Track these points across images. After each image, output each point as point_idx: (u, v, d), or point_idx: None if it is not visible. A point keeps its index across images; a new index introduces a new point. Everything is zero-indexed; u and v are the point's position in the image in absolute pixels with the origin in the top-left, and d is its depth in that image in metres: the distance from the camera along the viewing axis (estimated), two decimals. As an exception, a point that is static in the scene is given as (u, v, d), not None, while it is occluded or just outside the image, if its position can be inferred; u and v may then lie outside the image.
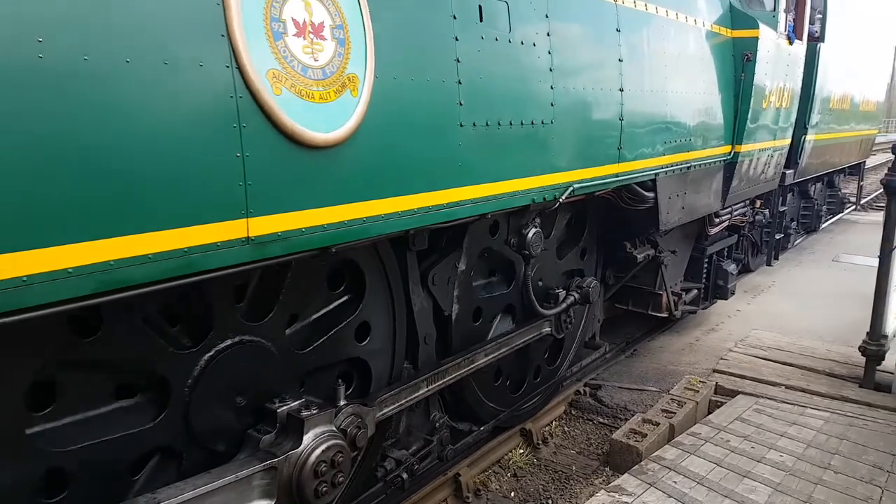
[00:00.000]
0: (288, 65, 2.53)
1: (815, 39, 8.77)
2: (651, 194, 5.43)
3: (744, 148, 6.74)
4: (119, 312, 2.59)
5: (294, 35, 2.54)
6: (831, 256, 11.51)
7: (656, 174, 5.39)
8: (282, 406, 3.15)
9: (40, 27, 1.92)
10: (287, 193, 2.59)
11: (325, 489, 3.16)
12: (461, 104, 3.40)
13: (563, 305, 5.21)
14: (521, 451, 5.34)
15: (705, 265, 7.54)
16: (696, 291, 7.46)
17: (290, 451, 3.04)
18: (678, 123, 5.61)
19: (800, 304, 8.55)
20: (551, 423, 5.76)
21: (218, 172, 2.35)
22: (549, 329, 5.11)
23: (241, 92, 2.40)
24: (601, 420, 5.83)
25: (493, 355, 4.52)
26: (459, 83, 3.39)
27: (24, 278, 1.93)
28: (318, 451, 3.10)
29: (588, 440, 5.61)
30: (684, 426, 5.15)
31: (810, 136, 9.12)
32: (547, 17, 4.01)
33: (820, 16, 8.75)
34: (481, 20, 3.52)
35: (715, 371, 6.10)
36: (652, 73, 5.16)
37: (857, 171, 15.03)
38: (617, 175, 4.86)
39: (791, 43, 7.61)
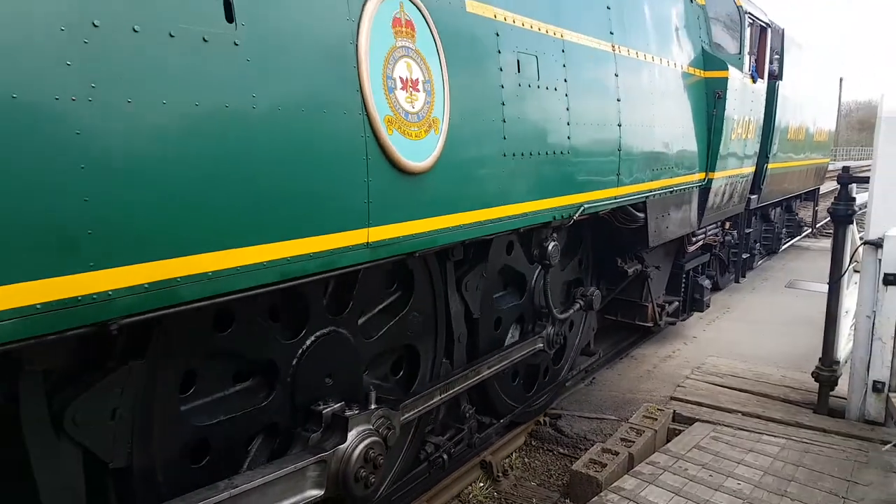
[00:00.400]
0: (397, 111, 3.40)
1: (774, 78, 9.90)
2: (642, 215, 6.24)
3: (716, 175, 7.66)
4: (246, 309, 3.29)
5: (400, 89, 3.44)
6: (784, 283, 11.75)
7: (647, 197, 6.21)
8: (326, 408, 3.65)
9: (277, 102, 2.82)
10: (391, 210, 3.41)
11: (368, 480, 3.63)
12: (505, 139, 4.25)
13: (572, 311, 6.01)
14: (481, 484, 5.28)
15: (683, 280, 8.33)
16: (676, 303, 8.23)
17: (337, 447, 3.52)
18: (663, 153, 6.47)
19: (755, 330, 8.68)
20: (511, 454, 5.72)
21: (355, 194, 3.20)
22: (541, 345, 5.60)
23: (368, 133, 3.23)
24: (561, 450, 5.81)
25: (495, 367, 5.07)
26: (504, 122, 4.25)
27: (238, 268, 2.65)
28: (361, 447, 3.59)
29: (548, 471, 5.58)
30: (643, 455, 5.16)
31: (771, 165, 10.16)
32: (564, 66, 4.87)
33: (777, 56, 9.94)
34: (518, 71, 4.39)
35: (672, 399, 6.13)
36: (642, 110, 6.04)
37: (812, 196, 15.77)
38: (616, 197, 5.70)
39: (754, 81, 8.70)
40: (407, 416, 4.11)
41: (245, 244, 2.67)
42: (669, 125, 6.57)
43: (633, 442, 5.26)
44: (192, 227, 2.46)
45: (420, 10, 3.54)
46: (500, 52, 4.22)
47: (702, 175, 7.45)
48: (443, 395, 4.52)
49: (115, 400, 2.75)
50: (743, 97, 8.21)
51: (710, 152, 7.54)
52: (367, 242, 3.27)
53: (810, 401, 5.93)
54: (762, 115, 9.40)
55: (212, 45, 2.50)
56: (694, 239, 8.10)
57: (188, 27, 2.41)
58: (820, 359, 5.88)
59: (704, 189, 7.56)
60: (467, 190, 3.97)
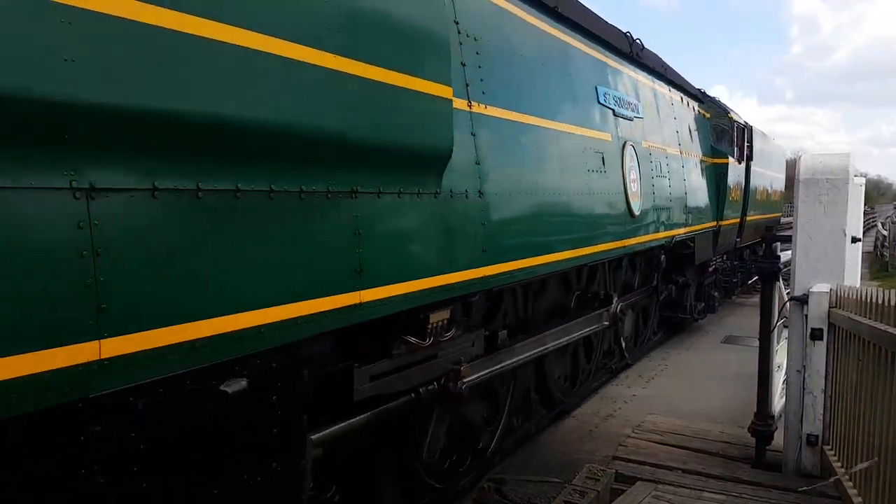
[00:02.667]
0: (632, 190, 7.13)
1: (748, 158, 14.18)
2: (692, 245, 10.35)
3: (722, 223, 12.28)
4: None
5: (632, 180, 7.18)
6: (720, 338, 12.05)
7: (696, 235, 10.42)
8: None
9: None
10: (633, 234, 7.23)
11: (622, 319, 8.08)
12: (654, 199, 8.33)
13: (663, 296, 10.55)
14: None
15: (705, 291, 12.91)
16: (703, 304, 12.75)
17: (610, 307, 7.38)
18: (698, 207, 10.74)
19: (692, 386, 8.87)
20: (457, 522, 5.63)
21: (623, 224, 7.12)
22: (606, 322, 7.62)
23: (626, 200, 7.12)
24: (507, 516, 5.75)
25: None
26: (653, 192, 8.38)
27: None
28: (617, 307, 7.53)
29: (495, 538, 5.50)
30: (588, 516, 5.14)
31: (748, 217, 14.39)
32: (667, 163, 9.39)
33: (749, 144, 14.22)
34: (658, 168, 8.58)
35: (615, 458, 6.17)
36: (690, 183, 10.24)
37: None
38: (685, 234, 9.87)
39: (739, 163, 13.45)
40: (620, 305, 7.80)
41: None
42: (701, 192, 11.01)
43: (577, 504, 5.25)
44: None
45: (635, 148, 7.70)
46: (654, 160, 8.46)
47: (714, 223, 11.85)
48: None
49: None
50: (735, 173, 12.85)
51: (719, 209, 12.01)
52: (626, 245, 7.23)
53: (748, 455, 6.04)
54: (743, 184, 13.81)
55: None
56: (711, 264, 12.51)
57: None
58: (755, 413, 6.03)
59: (716, 232, 11.96)
60: (652, 224, 8.19)
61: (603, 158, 6.72)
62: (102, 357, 2.20)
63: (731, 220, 12.96)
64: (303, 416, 3.22)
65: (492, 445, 6.11)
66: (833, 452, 5.30)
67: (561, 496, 5.50)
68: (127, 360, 2.27)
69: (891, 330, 4.03)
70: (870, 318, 4.43)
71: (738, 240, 14.20)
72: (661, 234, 8.63)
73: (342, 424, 3.66)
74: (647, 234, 8.03)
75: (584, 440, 6.99)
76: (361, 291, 3.36)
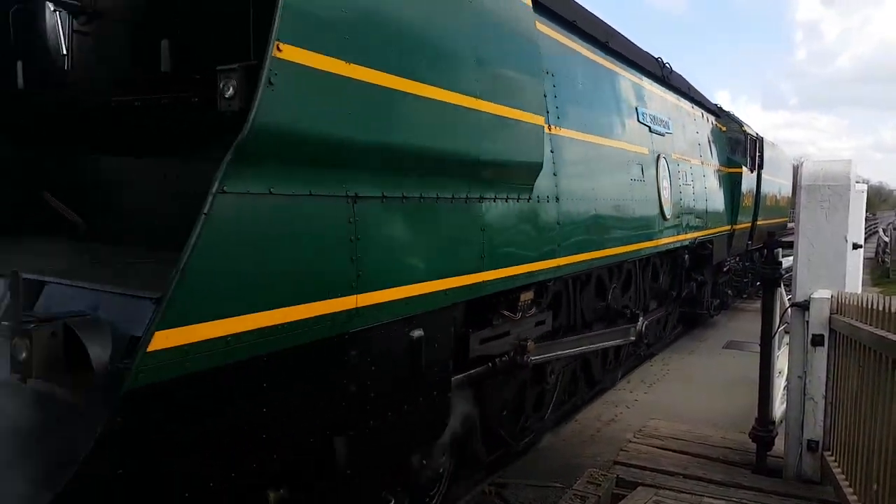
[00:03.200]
0: (664, 196, 8.53)
1: (759, 168, 15.41)
2: (711, 246, 11.60)
3: (736, 227, 13.47)
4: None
5: (664, 188, 8.57)
6: (722, 344, 12.06)
7: (713, 237, 11.67)
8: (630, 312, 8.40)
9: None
10: (665, 233, 8.65)
11: (646, 336, 8.83)
12: (681, 205, 9.44)
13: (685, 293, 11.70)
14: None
15: (720, 289, 14.17)
16: (718, 301, 14.06)
17: (636, 324, 7.86)
18: (717, 213, 12.04)
19: (694, 391, 8.88)
20: (458, 525, 5.66)
21: (657, 225, 8.38)
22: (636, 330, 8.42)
23: (660, 206, 8.42)
24: (507, 521, 5.77)
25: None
26: (681, 198, 9.46)
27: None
28: (643, 324, 8.08)
29: (495, 542, 5.53)
30: (589, 521, 5.16)
31: (759, 222, 15.71)
32: (692, 174, 10.47)
33: (759, 154, 15.38)
34: (685, 177, 9.85)
35: (616, 463, 6.17)
36: (709, 190, 11.45)
37: (776, 243, 20.41)
38: (704, 236, 11.09)
39: (751, 172, 14.60)
40: (644, 321, 8.39)
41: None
42: (718, 198, 12.29)
43: (578, 509, 5.26)
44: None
45: (666, 160, 8.85)
46: (680, 170, 9.69)
47: (729, 227, 13.02)
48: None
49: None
50: (748, 181, 14.14)
51: (733, 214, 13.25)
52: (659, 244, 8.52)
53: (749, 461, 6.05)
54: (755, 191, 15.09)
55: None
56: (725, 264, 13.84)
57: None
58: (756, 419, 6.04)
59: (730, 235, 13.15)
60: (679, 227, 9.44)
61: (642, 169, 7.96)
62: (358, 306, 3.39)
63: (744, 224, 14.34)
64: (450, 362, 4.41)
65: (547, 413, 7.29)
66: (833, 458, 5.30)
67: (562, 501, 5.51)
68: (368, 309, 3.45)
69: (891, 336, 4.03)
70: (871, 325, 4.44)
71: (750, 242, 15.55)
72: (687, 236, 10.05)
73: (469, 373, 4.95)
74: (676, 235, 9.45)
75: (585, 444, 7.01)
76: (483, 273, 4.54)
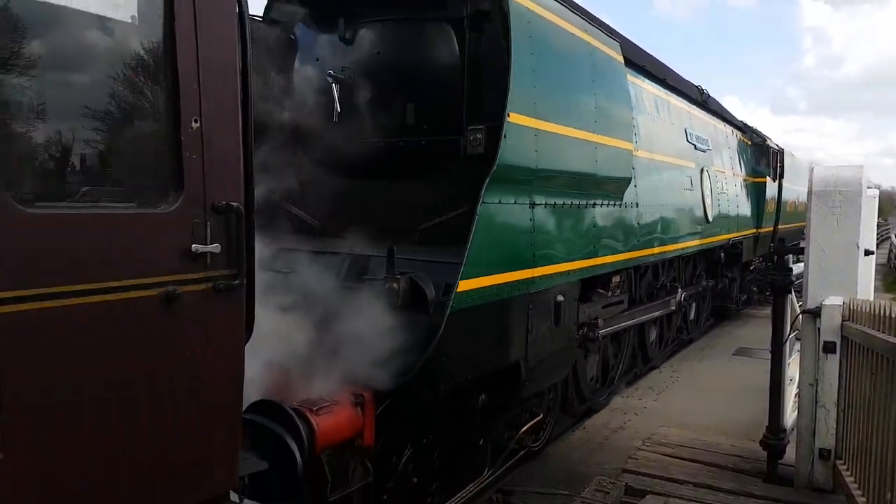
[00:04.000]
0: (707, 203, 10.37)
1: (781, 177, 17.04)
2: (740, 247, 13.42)
3: (761, 230, 15.32)
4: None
5: (706, 196, 10.38)
6: (732, 350, 11.96)
7: (742, 239, 13.50)
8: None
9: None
10: (710, 233, 10.78)
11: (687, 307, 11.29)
12: (707, 213, 10.42)
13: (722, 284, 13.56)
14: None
15: (746, 286, 15.91)
16: (745, 297, 15.99)
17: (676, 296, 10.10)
18: (745, 217, 13.87)
19: (704, 398, 8.79)
20: (464, 533, 5.61)
21: (700, 231, 10.28)
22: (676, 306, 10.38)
23: (704, 209, 10.38)
24: (514, 528, 5.72)
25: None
26: (723, 202, 11.73)
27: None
28: (682, 295, 10.23)
29: (501, 550, 5.48)
30: (597, 530, 5.11)
31: (780, 226, 17.23)
32: (726, 184, 12.08)
33: (780, 164, 17.09)
34: (724, 188, 11.91)
35: (624, 471, 6.13)
36: (739, 198, 13.22)
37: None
38: (736, 237, 12.80)
39: (774, 181, 16.41)
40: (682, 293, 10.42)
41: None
42: (746, 205, 14.10)
43: (586, 517, 5.22)
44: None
45: (707, 172, 10.54)
46: (717, 180, 11.25)
47: (755, 230, 14.76)
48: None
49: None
50: (770, 190, 15.96)
51: (758, 219, 15.05)
52: (704, 243, 10.46)
53: (760, 469, 6.00)
54: (776, 198, 16.74)
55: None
56: (751, 264, 15.63)
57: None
58: (767, 427, 5.98)
59: (756, 238, 14.83)
60: (718, 229, 11.03)
61: (691, 180, 9.82)
62: (534, 276, 5.20)
63: (767, 228, 16.23)
64: (574, 322, 6.26)
65: (615, 379, 8.94)
66: (846, 467, 5.23)
67: (570, 509, 5.46)
68: (539, 279, 5.25)
69: (904, 344, 3.99)
70: (883, 332, 4.39)
71: (773, 244, 17.51)
72: (723, 237, 12.03)
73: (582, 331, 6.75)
74: (716, 235, 11.37)
75: (593, 452, 6.94)
76: (592, 259, 6.28)
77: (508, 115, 4.58)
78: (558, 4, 5.66)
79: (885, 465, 4.20)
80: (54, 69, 2.50)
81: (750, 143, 15.57)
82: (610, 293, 7.21)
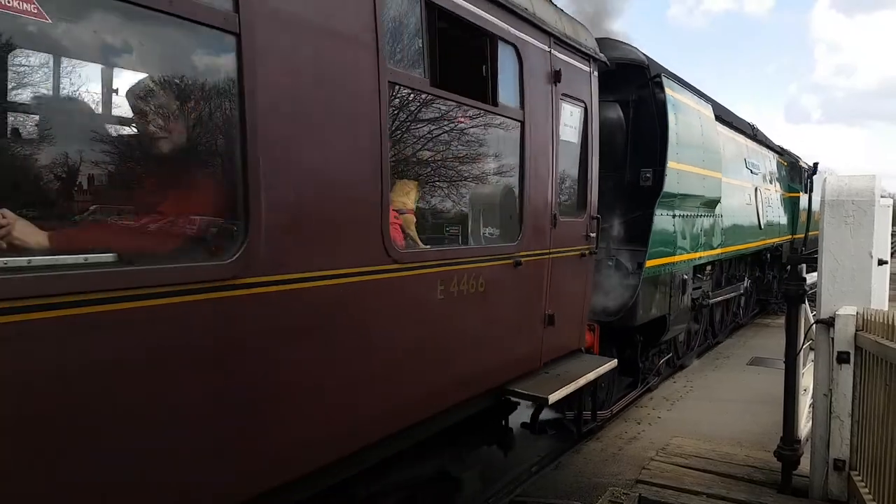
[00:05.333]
0: (759, 213, 15.02)
1: (810, 191, 21.26)
2: (780, 250, 17.99)
3: (795, 237, 19.90)
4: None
5: (759, 208, 14.83)
6: (746, 360, 11.92)
7: (782, 244, 18.07)
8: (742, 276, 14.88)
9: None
10: (760, 239, 15.45)
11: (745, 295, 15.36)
12: (760, 222, 15.02)
13: (766, 279, 17.67)
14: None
15: (783, 283, 19.37)
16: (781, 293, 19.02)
17: (744, 283, 14.83)
18: (783, 225, 18.32)
19: (718, 409, 8.77)
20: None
21: (756, 236, 14.76)
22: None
23: (758, 219, 15.06)
24: (528, 539, 5.72)
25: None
26: (758, 214, 15.02)
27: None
28: (748, 282, 15.25)
29: (515, 560, 5.48)
30: (611, 541, 5.10)
31: (809, 233, 21.64)
32: (770, 199, 14.70)
33: (809, 181, 21.35)
34: (770, 203, 16.75)
35: (638, 482, 6.11)
36: (779, 210, 17.78)
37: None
38: (778, 242, 17.44)
39: (804, 195, 20.94)
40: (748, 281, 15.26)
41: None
42: (783, 216, 18.18)
43: (600, 528, 5.20)
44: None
45: (759, 190, 14.68)
46: (765, 196, 15.44)
47: (790, 236, 18.86)
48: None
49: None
50: (802, 203, 20.73)
51: (793, 227, 19.25)
52: (759, 245, 15.21)
53: (774, 480, 5.97)
54: (807, 210, 21.23)
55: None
56: (787, 266, 17.08)
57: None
58: (781, 438, 5.95)
59: (791, 242, 19.09)
60: (766, 235, 15.60)
61: (749, 197, 13.44)
62: (674, 261, 8.80)
63: (800, 235, 20.62)
64: (689, 294, 9.67)
65: (695, 346, 12.03)
66: (861, 478, 5.20)
67: (584, 520, 5.45)
68: (678, 263, 8.84)
69: (918, 355, 3.97)
70: (897, 343, 4.36)
71: (804, 248, 21.66)
72: (770, 241, 16.25)
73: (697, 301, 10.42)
74: (766, 239, 15.72)
75: (607, 463, 6.93)
76: (697, 253, 9.50)
77: (669, 163, 7.98)
78: (683, 87, 8.93)
79: (900, 477, 4.17)
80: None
81: (786, 163, 19.55)
82: (706, 277, 10.69)
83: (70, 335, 2.40)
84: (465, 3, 4.43)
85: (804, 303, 6.02)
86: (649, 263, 7.81)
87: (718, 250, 10.81)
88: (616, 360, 6.61)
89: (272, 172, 3.09)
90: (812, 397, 5.87)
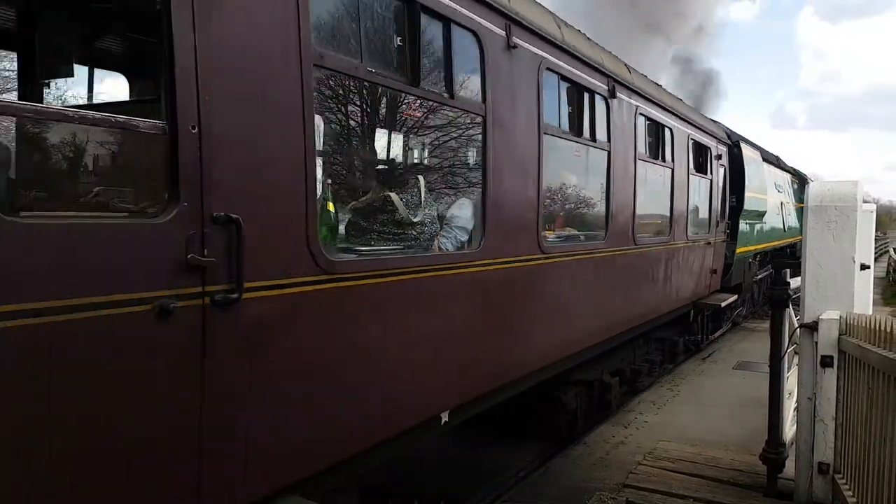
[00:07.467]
0: (783, 220, 20.46)
1: None
2: (796, 247, 21.19)
3: (796, 239, 22.07)
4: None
5: (783, 217, 20.53)
6: (732, 364, 11.95)
7: (797, 242, 20.95)
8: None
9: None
10: (783, 238, 20.92)
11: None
12: (784, 226, 20.74)
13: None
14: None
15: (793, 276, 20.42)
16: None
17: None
18: (797, 228, 21.21)
19: (704, 412, 8.77)
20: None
21: (781, 236, 20.59)
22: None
23: (783, 224, 20.98)
24: (516, 544, 5.71)
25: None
26: (783, 220, 20.58)
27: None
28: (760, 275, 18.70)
29: (503, 565, 5.46)
30: (597, 546, 5.10)
31: None
32: (780, 209, 19.50)
33: None
34: (780, 211, 20.56)
35: (625, 486, 6.12)
36: (793, 217, 21.81)
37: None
38: (793, 242, 21.32)
39: None
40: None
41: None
42: (797, 222, 21.59)
43: (587, 532, 5.20)
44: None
45: (783, 203, 20.21)
46: (786, 208, 20.86)
47: (801, 237, 22.50)
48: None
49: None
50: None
51: (802, 230, 19.10)
52: (783, 243, 20.59)
53: (760, 484, 5.98)
54: None
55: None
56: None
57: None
58: (766, 441, 5.97)
59: (801, 242, 19.20)
60: (786, 235, 20.58)
61: (777, 208, 17.13)
62: (747, 251, 14.66)
63: None
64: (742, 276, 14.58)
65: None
66: (845, 481, 5.21)
67: (571, 524, 5.45)
68: (748, 252, 14.82)
69: (899, 359, 3.98)
70: (880, 347, 4.39)
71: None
72: (788, 240, 20.49)
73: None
74: (788, 238, 20.18)
75: (594, 467, 6.92)
76: (753, 246, 15.19)
77: (747, 191, 12.11)
78: (747, 145, 14.07)
79: (882, 480, 4.18)
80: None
81: (797, 180, 23.83)
82: (755, 262, 14.91)
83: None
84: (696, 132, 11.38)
85: (789, 307, 6.05)
86: (738, 251, 13.44)
87: (764, 245, 16.75)
88: (736, 296, 13.31)
89: (493, 202, 5.25)
90: (797, 401, 5.90)
